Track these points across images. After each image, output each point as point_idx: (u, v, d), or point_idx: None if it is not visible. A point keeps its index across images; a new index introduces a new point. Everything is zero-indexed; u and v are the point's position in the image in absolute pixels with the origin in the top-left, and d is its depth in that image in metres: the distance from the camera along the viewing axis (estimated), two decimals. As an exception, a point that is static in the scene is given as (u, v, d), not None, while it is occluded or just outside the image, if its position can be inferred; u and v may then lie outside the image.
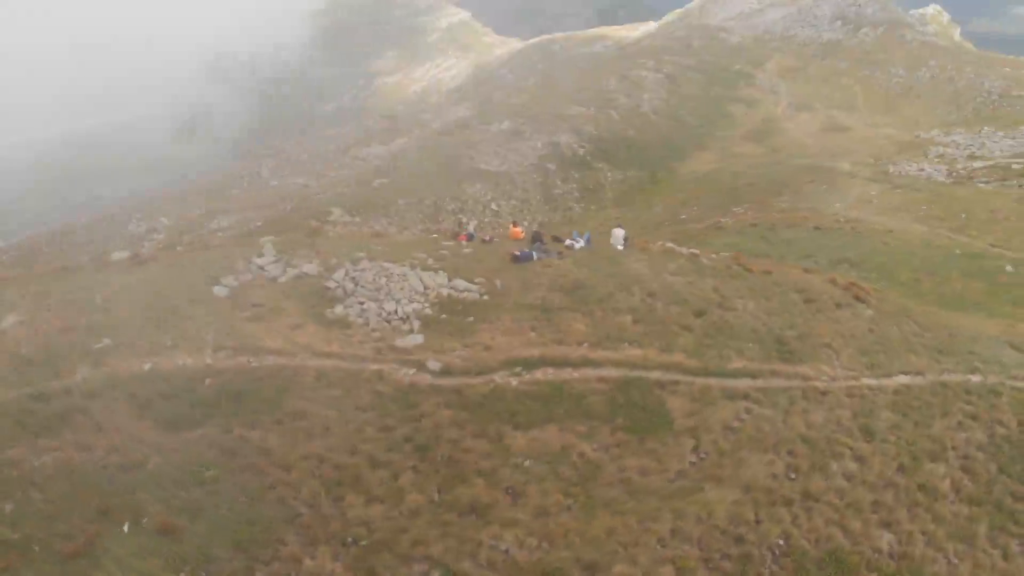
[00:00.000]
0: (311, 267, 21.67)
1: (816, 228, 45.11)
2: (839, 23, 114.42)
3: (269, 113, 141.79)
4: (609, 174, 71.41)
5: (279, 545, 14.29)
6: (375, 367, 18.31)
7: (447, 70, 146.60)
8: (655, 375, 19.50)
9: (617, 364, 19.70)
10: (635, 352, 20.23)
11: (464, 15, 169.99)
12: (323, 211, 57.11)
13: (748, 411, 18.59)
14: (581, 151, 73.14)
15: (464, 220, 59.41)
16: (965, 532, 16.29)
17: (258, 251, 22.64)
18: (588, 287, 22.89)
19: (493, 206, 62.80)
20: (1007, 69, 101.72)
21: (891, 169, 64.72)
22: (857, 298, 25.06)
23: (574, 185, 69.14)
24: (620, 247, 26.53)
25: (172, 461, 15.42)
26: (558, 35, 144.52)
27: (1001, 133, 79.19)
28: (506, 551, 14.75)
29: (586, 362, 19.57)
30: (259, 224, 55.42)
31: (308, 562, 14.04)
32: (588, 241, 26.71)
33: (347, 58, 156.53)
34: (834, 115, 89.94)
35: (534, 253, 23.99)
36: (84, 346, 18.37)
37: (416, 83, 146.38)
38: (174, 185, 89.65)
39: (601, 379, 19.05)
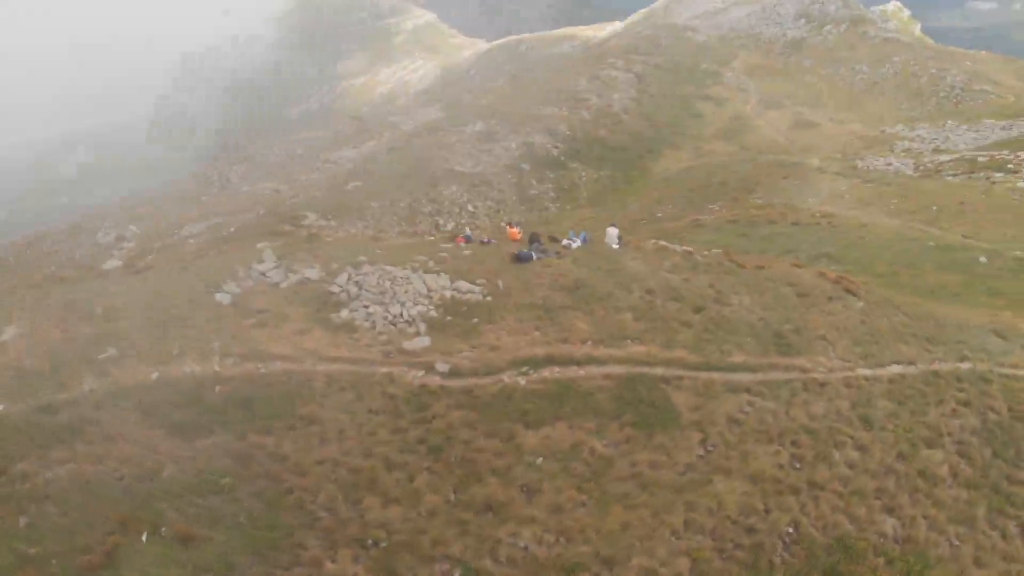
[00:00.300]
0: (313, 272, 21.61)
1: (794, 224, 45.55)
2: (803, 21, 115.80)
3: (236, 117, 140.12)
4: (583, 174, 71.67)
5: (299, 550, 14.30)
6: (384, 370, 18.34)
7: (414, 72, 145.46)
8: (659, 371, 19.76)
9: (621, 361, 19.93)
10: (638, 349, 20.48)
11: (430, 17, 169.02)
12: (296, 215, 56.44)
13: (751, 404, 18.93)
14: (555, 151, 73.28)
15: (441, 222, 59.04)
16: (965, 515, 16.77)
17: (258, 257, 22.52)
18: (588, 286, 23.11)
19: (469, 207, 62.56)
20: (968, 63, 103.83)
21: (859, 164, 65.29)
22: (848, 291, 25.59)
23: (549, 185, 69.21)
24: (615, 246, 26.79)
25: (187, 469, 15.34)
26: (525, 36, 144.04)
27: (964, 126, 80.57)
28: (525, 548, 14.90)
29: (591, 360, 19.77)
30: (232, 230, 54.72)
31: (330, 566, 14.07)
32: (584, 240, 26.95)
33: (313, 60, 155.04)
34: (802, 112, 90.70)
35: (533, 253, 24.16)
36: (88, 356, 18.17)
37: (383, 85, 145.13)
38: (141, 193, 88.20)
39: (607, 376, 19.26)
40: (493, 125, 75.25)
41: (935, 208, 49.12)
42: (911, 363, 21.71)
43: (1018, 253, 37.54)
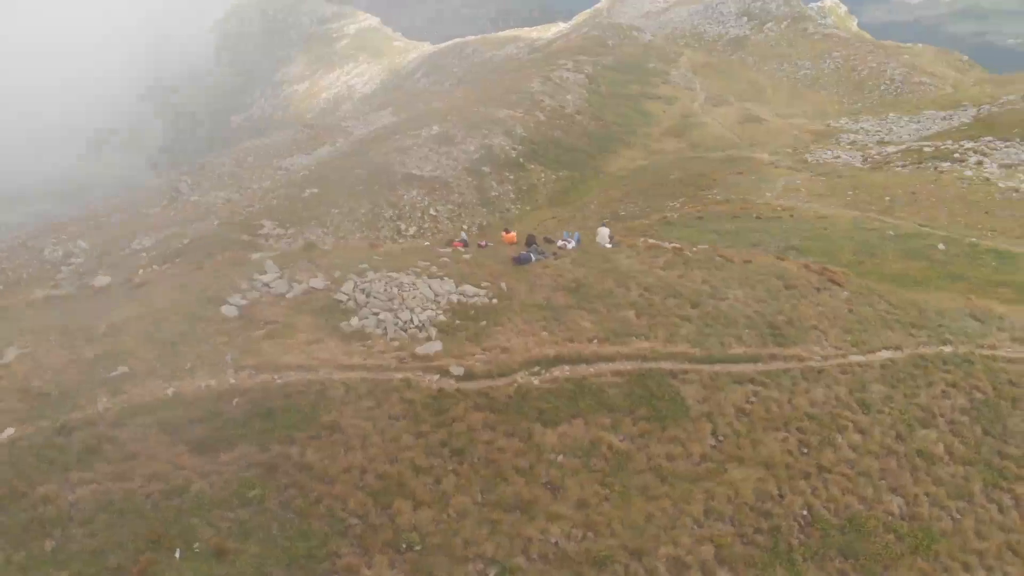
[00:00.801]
0: (318, 281, 21.49)
1: (757, 218, 46.11)
2: (745, 19, 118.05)
3: (180, 128, 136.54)
4: (542, 175, 71.91)
5: (334, 558, 14.30)
6: (400, 376, 18.37)
7: (358, 76, 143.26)
8: (665, 365, 20.19)
9: (628, 357, 20.30)
10: (643, 344, 20.88)
11: (372, 21, 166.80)
12: (252, 225, 55.45)
13: (756, 394, 19.48)
14: (513, 153, 73.31)
15: (403, 227, 58.71)
16: (963, 491, 17.54)
17: (259, 268, 22.29)
18: (588, 285, 23.45)
19: (431, 211, 62.23)
20: (906, 56, 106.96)
21: (809, 157, 66.37)
22: (832, 281, 26.42)
23: (509, 187, 69.25)
24: (608, 245, 27.19)
25: (214, 483, 15.18)
26: (470, 38, 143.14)
27: (906, 118, 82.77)
28: (555, 543, 15.13)
29: (599, 357, 20.09)
30: (186, 242, 53.68)
31: (366, 572, 14.10)
32: (578, 241, 27.29)
33: (254, 67, 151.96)
34: (748, 108, 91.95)
35: (532, 255, 24.39)
36: (98, 375, 17.80)
37: (327, 90, 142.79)
38: (82, 207, 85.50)
39: (616, 372, 19.60)
40: (450, 128, 74.78)
41: (888, 198, 50.40)
42: (898, 348, 22.54)
43: (972, 239, 38.87)
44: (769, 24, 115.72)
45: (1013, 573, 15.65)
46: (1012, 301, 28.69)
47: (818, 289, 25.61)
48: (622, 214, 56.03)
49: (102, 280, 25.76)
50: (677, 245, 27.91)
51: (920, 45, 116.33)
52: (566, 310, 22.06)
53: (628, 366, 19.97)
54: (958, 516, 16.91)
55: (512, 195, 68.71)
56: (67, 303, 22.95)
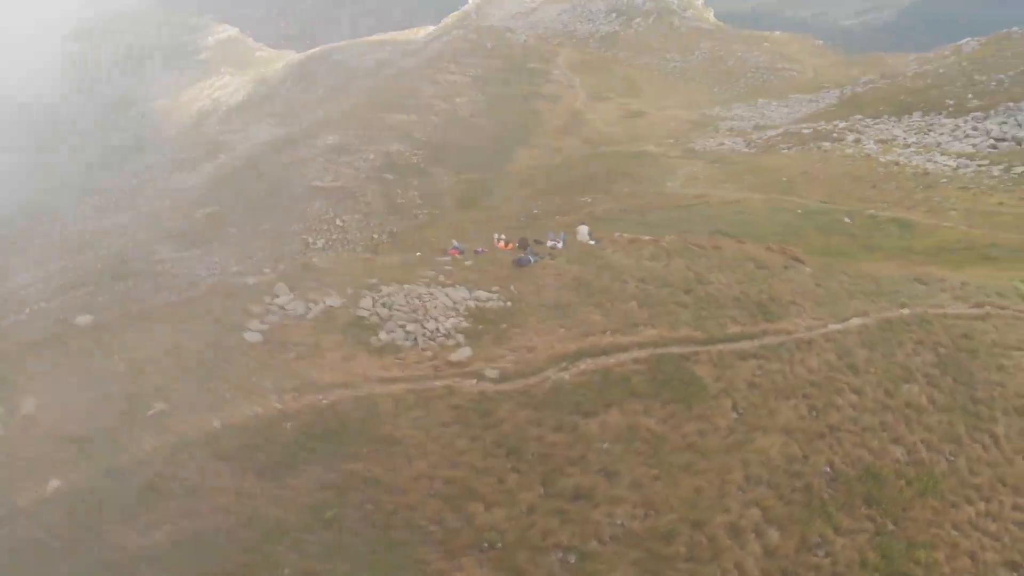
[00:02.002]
0: (333, 299, 21.15)
1: (678, 207, 46.28)
2: (614, 15, 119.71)
3: (46, 153, 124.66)
4: (446, 178, 69.16)
5: (423, 566, 14.35)
6: (441, 383, 18.45)
7: (223, 88, 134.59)
8: (675, 350, 21.14)
9: (641, 345, 21.10)
10: (651, 332, 21.74)
11: (232, 31, 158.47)
12: (148, 251, 52.27)
13: (761, 367, 20.71)
14: (414, 159, 70.90)
15: (311, 240, 55.55)
16: (951, 434, 19.36)
17: (268, 292, 21.68)
18: (588, 281, 24.13)
19: (338, 222, 59.19)
20: (767, 44, 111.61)
21: (694, 147, 67.07)
22: (795, 259, 28.27)
23: (415, 192, 66.26)
24: (593, 243, 27.98)
25: (288, 509, 14.87)
26: (339, 44, 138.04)
27: (776, 103, 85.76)
28: (621, 525, 15.72)
29: (616, 348, 20.79)
30: (70, 276, 50.09)
31: (458, 574, 14.24)
32: (564, 240, 27.92)
33: (109, 85, 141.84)
34: (626, 103, 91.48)
35: (531, 257, 24.84)
36: (135, 415, 16.93)
37: (193, 104, 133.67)
38: None
39: (635, 361, 20.36)
40: (346, 137, 71.88)
41: (785, 179, 51.70)
42: (866, 315, 24.43)
43: (871, 211, 41.66)
44: (637, 20, 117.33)
45: (1007, 502, 17.50)
46: (925, 264, 31.54)
47: (785, 267, 27.31)
48: (535, 212, 54.63)
49: (84, 319, 24.25)
50: (654, 238, 29.03)
51: (778, 32, 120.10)
52: (575, 307, 22.67)
53: (643, 354, 20.77)
54: (952, 458, 18.68)
55: (419, 200, 65.37)
56: (69, 345, 21.46)
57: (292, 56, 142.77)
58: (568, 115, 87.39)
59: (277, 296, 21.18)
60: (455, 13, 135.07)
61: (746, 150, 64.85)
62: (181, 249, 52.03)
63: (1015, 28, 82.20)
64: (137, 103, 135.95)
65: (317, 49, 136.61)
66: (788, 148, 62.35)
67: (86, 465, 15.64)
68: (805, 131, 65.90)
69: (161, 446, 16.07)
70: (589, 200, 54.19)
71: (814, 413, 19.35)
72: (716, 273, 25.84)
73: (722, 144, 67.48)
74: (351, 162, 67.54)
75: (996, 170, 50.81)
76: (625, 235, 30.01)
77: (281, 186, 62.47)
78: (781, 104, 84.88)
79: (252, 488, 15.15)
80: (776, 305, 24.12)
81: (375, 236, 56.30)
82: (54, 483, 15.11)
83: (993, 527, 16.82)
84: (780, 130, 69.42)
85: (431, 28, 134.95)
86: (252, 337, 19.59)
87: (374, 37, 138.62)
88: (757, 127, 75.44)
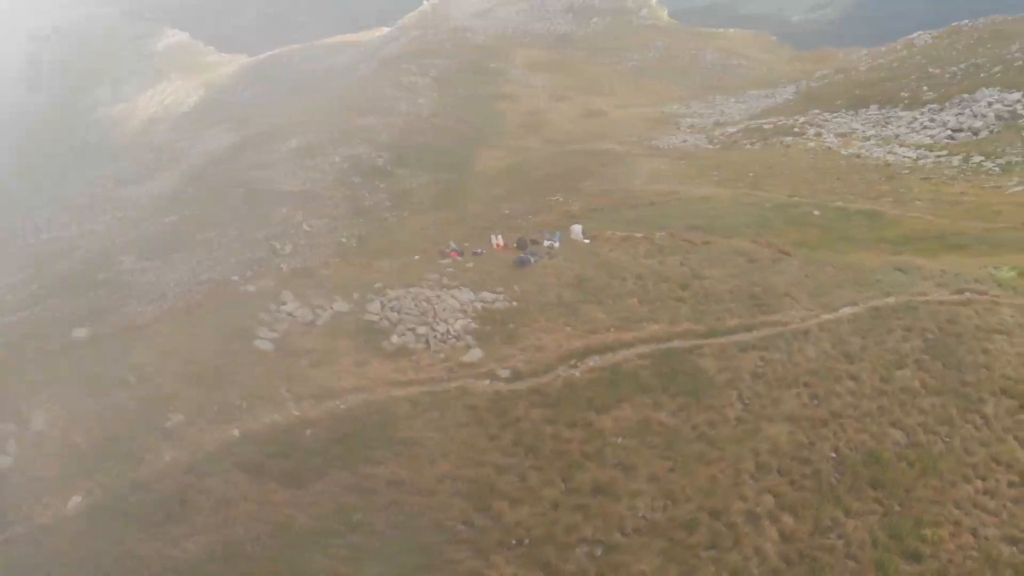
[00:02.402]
0: (341, 305, 20.99)
1: (650, 204, 45.97)
2: (571, 15, 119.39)
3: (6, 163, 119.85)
4: (413, 180, 67.73)
5: (454, 565, 14.35)
6: (455, 385, 18.45)
7: (173, 94, 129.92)
8: (678, 344, 21.43)
9: (645, 341, 21.34)
10: (653, 328, 22.01)
11: (182, 36, 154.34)
12: (111, 261, 50.94)
13: (762, 358, 21.09)
14: (380, 160, 69.31)
15: (278, 246, 53.99)
16: (944, 416, 19.89)
17: (275, 299, 21.42)
18: (588, 279, 24.32)
19: (305, 227, 57.65)
20: (721, 41, 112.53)
21: (657, 144, 66.97)
22: (782, 252, 28.82)
23: (383, 195, 64.96)
24: (587, 241, 28.19)
25: (316, 515, 14.76)
26: (295, 47, 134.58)
27: (733, 99, 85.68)
28: (643, 517, 15.90)
29: (621, 344, 21.01)
30: (35, 287, 48.77)
31: (489, 572, 14.27)
32: (560, 239, 28.07)
33: (58, 92, 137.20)
34: (587, 101, 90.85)
35: (531, 257, 24.94)
36: (151, 426, 16.63)
37: (144, 110, 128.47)
38: None
39: (641, 356, 20.59)
40: (310, 140, 70.23)
41: (751, 174, 51.77)
42: (855, 304, 25.03)
43: (839, 203, 42.36)
44: (594, 19, 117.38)
45: (1002, 479, 18.07)
46: (897, 253, 32.35)
47: (774, 260, 27.84)
48: (506, 212, 54.11)
49: (80, 332, 23.69)
50: (646, 235, 29.37)
51: (732, 30, 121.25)
52: (578, 304, 22.83)
53: (648, 349, 21.01)
54: (947, 439, 19.20)
55: (387, 203, 63.99)
56: (64, 358, 20.93)
57: (244, 60, 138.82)
58: (530, 114, 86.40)
59: (284, 303, 20.93)
60: (412, 14, 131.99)
61: (709, 146, 64.95)
62: (145, 259, 50.55)
63: (965, 21, 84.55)
64: (86, 111, 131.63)
65: (270, 52, 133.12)
66: (751, 143, 62.66)
67: (107, 480, 15.32)
68: (766, 126, 66.24)
69: (181, 457, 15.82)
70: (560, 199, 53.91)
71: (816, 401, 19.76)
72: (708, 268, 26.25)
73: (684, 141, 67.50)
74: (316, 166, 65.73)
75: (955, 160, 52.16)
76: (618, 233, 30.32)
77: (247, 191, 60.81)
78: (738, 100, 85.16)
79: (278, 496, 14.99)
80: (770, 297, 24.58)
81: (343, 240, 54.97)
82: (75, 499, 14.79)
83: (991, 504, 17.34)
84: (740, 126, 69.72)
85: (386, 30, 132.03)
86: (263, 344, 19.36)
87: (331, 40, 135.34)
88: (717, 123, 75.70)
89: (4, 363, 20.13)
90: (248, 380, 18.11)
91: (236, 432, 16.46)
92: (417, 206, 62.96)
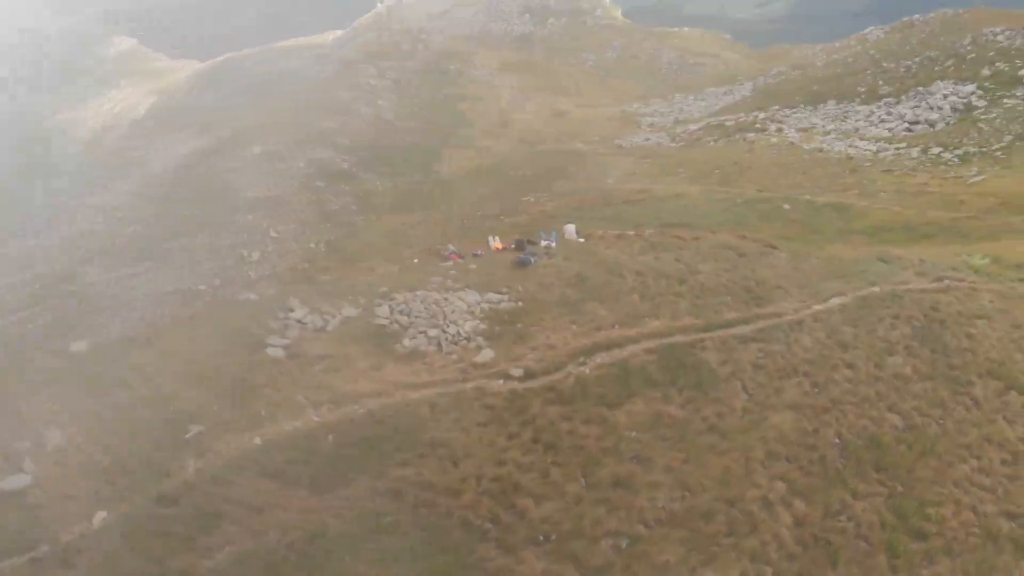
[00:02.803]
0: (349, 310, 20.85)
1: (625, 202, 45.87)
2: (528, 15, 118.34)
3: None
4: (378, 183, 65.67)
5: (484, 563, 14.45)
6: (471, 385, 18.50)
7: (123, 102, 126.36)
8: (680, 338, 21.76)
9: (649, 337, 21.62)
10: (655, 323, 22.31)
11: (131, 42, 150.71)
12: (72, 274, 49.55)
13: (762, 350, 21.54)
14: (345, 164, 67.40)
15: (246, 253, 50.89)
16: (935, 399, 20.57)
17: (283, 306, 21.19)
18: (588, 278, 24.52)
19: (272, 233, 54.82)
20: (677, 40, 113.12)
21: (622, 143, 66.97)
22: (769, 246, 29.40)
23: (348, 199, 62.54)
24: (582, 240, 28.39)
25: (348, 519, 14.72)
26: (247, 51, 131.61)
27: (692, 97, 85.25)
28: (663, 507, 16.18)
29: (627, 340, 21.25)
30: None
31: (520, 568, 14.40)
32: (556, 239, 28.20)
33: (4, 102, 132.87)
34: (549, 102, 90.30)
35: (531, 258, 25.05)
36: (172, 438, 16.37)
37: (94, 119, 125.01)
38: None
39: (647, 351, 20.87)
40: (273, 145, 67.97)
41: (718, 171, 52.10)
42: (843, 295, 25.70)
43: (808, 197, 43.03)
44: (551, 20, 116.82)
45: (995, 458, 18.78)
46: (870, 244, 33.26)
47: (762, 254, 28.40)
48: (478, 214, 52.86)
49: (79, 345, 23.10)
50: (638, 232, 29.69)
51: (687, 29, 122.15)
52: (581, 303, 23.02)
53: (652, 344, 21.31)
54: (941, 421, 19.88)
55: (353, 207, 61.46)
56: (69, 372, 20.40)
57: (196, 65, 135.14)
58: (493, 116, 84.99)
59: (292, 310, 20.72)
60: (366, 16, 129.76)
61: (672, 144, 64.78)
62: (111, 269, 49.01)
63: (917, 16, 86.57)
64: (35, 121, 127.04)
65: (223, 57, 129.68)
66: (714, 140, 62.43)
67: (133, 494, 15.05)
68: (727, 123, 66.61)
69: (206, 468, 15.61)
70: (532, 200, 53.48)
71: (816, 389, 20.27)
72: (702, 263, 26.66)
73: (647, 140, 67.29)
74: (280, 171, 63.89)
75: (914, 152, 53.44)
76: (612, 231, 30.60)
77: (211, 199, 59.20)
78: (697, 98, 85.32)
79: (306, 502, 14.90)
80: (763, 289, 25.08)
81: (312, 246, 53.91)
82: (101, 515, 14.50)
83: (987, 481, 18.03)
84: (701, 123, 70.01)
85: (340, 32, 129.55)
86: (275, 352, 19.16)
87: (285, 43, 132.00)
88: (678, 121, 75.81)
89: (5, 377, 19.57)
90: (264, 388, 17.93)
91: (258, 440, 16.30)
92: (384, 209, 61.54)
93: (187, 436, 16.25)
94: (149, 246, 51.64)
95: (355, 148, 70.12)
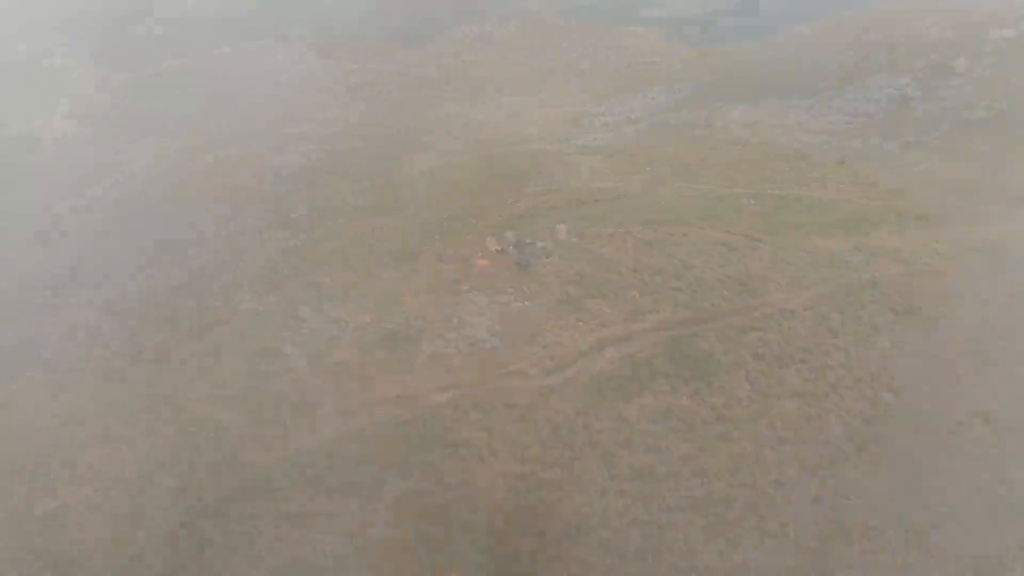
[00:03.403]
0: (362, 316, 20.74)
1: (597, 201, 43.94)
2: (473, 16, 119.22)
3: None
4: (344, 186, 58.51)
5: (525, 556, 14.63)
6: (491, 385, 18.63)
7: (83, 111, 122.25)
8: (683, 331, 22.22)
9: (652, 330, 22.05)
10: (657, 317, 22.74)
11: (80, 50, 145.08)
12: (55, 287, 47.55)
13: (761, 339, 22.14)
14: (307, 170, 61.40)
15: (211, 260, 51.47)
16: (923, 376, 21.45)
17: (293, 314, 21.00)
18: (587, 275, 24.80)
19: (240, 239, 55.40)
20: (628, 40, 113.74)
21: (583, 143, 68.19)
22: (753, 239, 30.11)
23: (314, 203, 62.37)
24: (575, 240, 28.61)
25: (386, 522, 14.74)
26: (197, 58, 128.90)
27: (638, 95, 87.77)
28: (684, 495, 16.59)
29: (631, 334, 21.65)
30: None
31: (558, 558, 14.62)
32: (551, 239, 28.33)
33: None
34: (505, 103, 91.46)
35: (531, 259, 25.22)
36: (210, 456, 16.19)
37: (49, 131, 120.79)
38: None
39: (653, 344, 21.28)
40: (241, 151, 67.89)
41: (682, 168, 49.47)
42: (826, 282, 26.49)
43: (774, 192, 44.36)
44: (511, 21, 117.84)
45: (981, 431, 19.63)
46: (842, 235, 34.18)
47: (749, 248, 29.07)
48: (449, 216, 52.80)
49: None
50: (626, 230, 30.07)
51: (637, 28, 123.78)
52: (583, 300, 23.30)
53: (657, 337, 21.73)
54: (933, 395, 20.70)
55: (319, 212, 62.47)
56: (81, 393, 19.93)
57: (145, 71, 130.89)
58: (454, 117, 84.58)
59: (305, 320, 20.56)
60: None
61: (628, 143, 65.71)
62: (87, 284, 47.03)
63: (847, 11, 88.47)
64: None
65: (176, 61, 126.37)
66: (668, 138, 63.93)
67: (178, 511, 14.83)
68: (672, 121, 67.66)
69: (243, 482, 15.46)
70: (509, 201, 54.74)
71: (814, 375, 20.90)
72: (694, 257, 27.19)
73: (601, 139, 68.22)
74: (246, 175, 62.76)
75: (856, 143, 54.91)
76: (605, 230, 30.91)
77: (173, 208, 57.60)
78: (644, 96, 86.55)
79: (347, 507, 14.88)
80: (755, 281, 25.70)
81: (278, 251, 52.34)
82: (141, 533, 14.25)
83: (978, 452, 18.86)
84: (650, 121, 71.06)
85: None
86: (295, 362, 18.99)
87: (230, 49, 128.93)
88: (628, 120, 76.73)
89: (20, 397, 19.07)
90: (287, 397, 17.80)
91: (293, 449, 16.19)
92: (351, 213, 60.41)
93: (219, 450, 16.05)
94: (111, 259, 49.50)
95: (322, 152, 68.36)
